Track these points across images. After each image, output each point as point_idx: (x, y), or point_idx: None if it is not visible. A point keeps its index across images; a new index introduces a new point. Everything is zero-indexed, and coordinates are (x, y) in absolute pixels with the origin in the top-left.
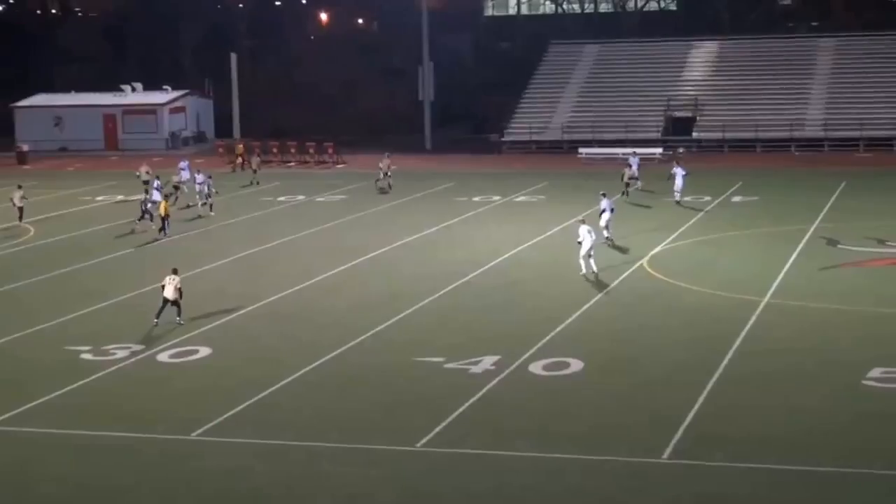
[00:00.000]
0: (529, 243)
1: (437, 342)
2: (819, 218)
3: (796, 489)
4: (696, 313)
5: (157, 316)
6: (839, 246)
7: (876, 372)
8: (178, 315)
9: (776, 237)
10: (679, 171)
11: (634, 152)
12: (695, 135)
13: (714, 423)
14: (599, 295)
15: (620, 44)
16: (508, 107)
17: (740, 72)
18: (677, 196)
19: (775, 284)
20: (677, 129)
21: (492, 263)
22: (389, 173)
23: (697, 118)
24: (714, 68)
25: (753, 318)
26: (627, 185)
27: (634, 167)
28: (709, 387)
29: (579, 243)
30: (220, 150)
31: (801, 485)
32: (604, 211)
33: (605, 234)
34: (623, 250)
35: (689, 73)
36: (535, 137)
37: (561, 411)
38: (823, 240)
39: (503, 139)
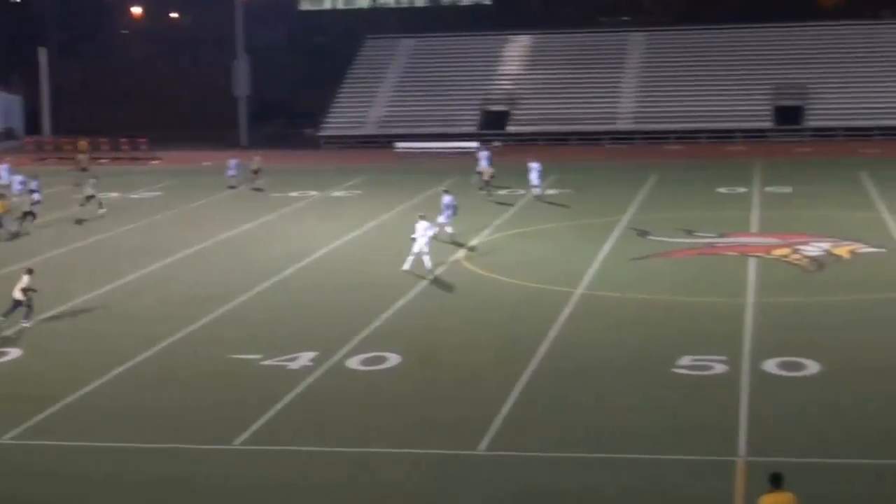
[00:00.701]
0: (346, 238)
1: (254, 339)
2: (631, 210)
3: (607, 477)
4: (512, 306)
5: (5, 315)
6: (650, 237)
7: (686, 360)
8: (26, 317)
9: (589, 229)
10: (536, 167)
11: (482, 146)
12: (510, 129)
13: (530, 414)
14: (416, 289)
15: (436, 38)
16: (325, 101)
17: (554, 66)
18: (537, 191)
19: (588, 276)
20: (493, 123)
21: (309, 259)
22: (259, 172)
23: (512, 112)
24: (528, 62)
25: (567, 309)
26: (487, 182)
27: (483, 162)
28: (524, 379)
29: (413, 239)
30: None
31: (611, 473)
32: (447, 207)
33: (448, 230)
34: (440, 244)
35: (504, 68)
36: (351, 132)
37: (378, 406)
38: (635, 231)
39: (320, 134)
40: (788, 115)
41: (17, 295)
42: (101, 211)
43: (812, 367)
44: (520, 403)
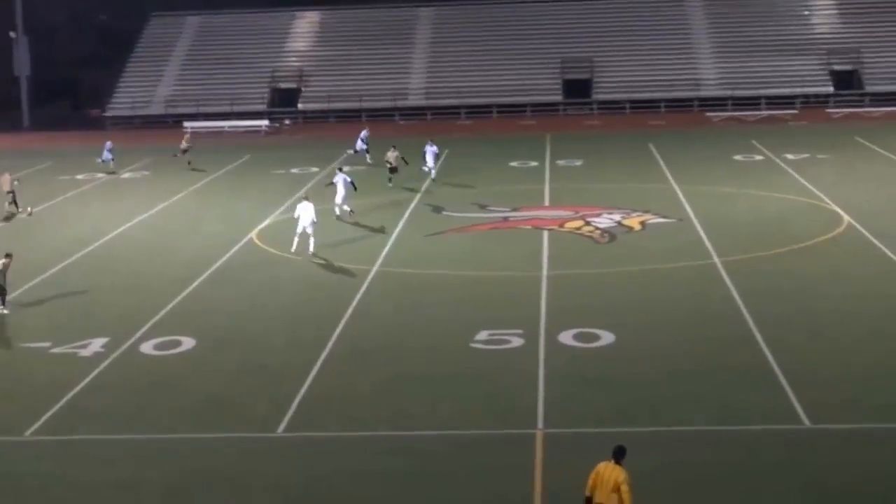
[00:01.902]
0: (136, 221)
1: (43, 326)
2: (424, 186)
3: (407, 457)
4: (308, 285)
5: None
6: (444, 213)
7: (483, 335)
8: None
9: (383, 206)
10: (431, 150)
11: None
12: (300, 106)
13: (327, 395)
14: (209, 271)
15: (223, 14)
16: (110, 81)
17: (343, 42)
18: (433, 174)
19: (384, 253)
20: (283, 101)
21: (98, 243)
22: (187, 149)
23: (302, 89)
24: (317, 39)
25: (364, 287)
26: (395, 169)
27: (359, 143)
28: (322, 358)
29: (296, 218)
30: None
31: (407, 451)
32: (344, 186)
33: (346, 208)
34: (230, 224)
35: (293, 44)
36: (138, 112)
37: (173, 390)
38: (429, 207)
39: (106, 114)
40: (577, 89)
41: None
42: None
43: (607, 337)
44: (317, 384)
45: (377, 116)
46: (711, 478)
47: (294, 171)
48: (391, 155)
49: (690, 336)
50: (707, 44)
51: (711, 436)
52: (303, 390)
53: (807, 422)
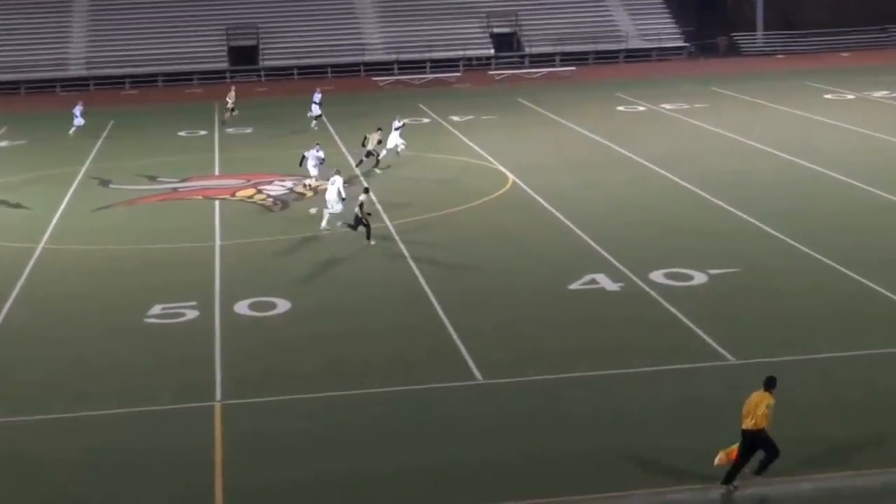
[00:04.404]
0: None
1: None
2: (90, 158)
3: (86, 436)
4: None
5: None
6: (111, 186)
7: (157, 309)
8: None
9: (48, 181)
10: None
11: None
12: None
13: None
14: None
15: None
16: None
17: None
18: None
19: (50, 229)
20: None
21: None
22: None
23: None
24: None
25: (30, 265)
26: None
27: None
28: None
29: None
30: None
31: (88, 431)
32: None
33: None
34: None
35: None
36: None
37: None
38: (96, 180)
39: None
40: (243, 56)
41: None
42: None
43: (282, 305)
44: None
45: (36, 88)
46: (385, 433)
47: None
48: (374, 137)
49: (366, 298)
50: (371, 9)
51: (388, 395)
52: None
53: (480, 377)
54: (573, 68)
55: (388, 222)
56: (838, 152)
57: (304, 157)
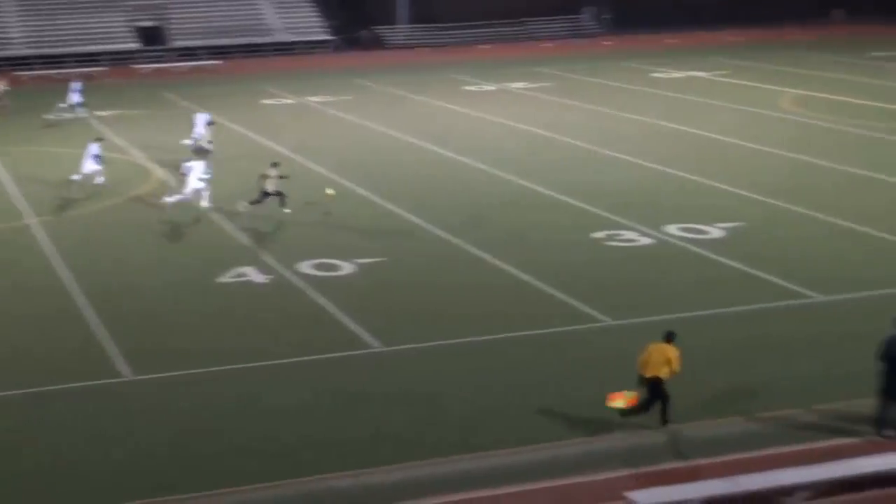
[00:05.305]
0: None
1: None
2: None
3: None
4: None
5: None
6: None
7: None
8: None
9: None
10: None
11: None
12: None
13: None
14: None
15: None
16: None
17: None
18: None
19: None
20: None
21: None
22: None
23: None
24: None
25: None
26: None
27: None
28: None
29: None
30: None
31: None
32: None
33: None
34: None
35: None
36: None
37: None
38: None
39: None
40: (152, 36)
41: None
42: None
43: None
44: None
45: None
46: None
47: None
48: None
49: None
50: (10, 2)
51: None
52: None
53: (129, 374)
54: (220, 62)
55: (34, 219)
56: (479, 141)
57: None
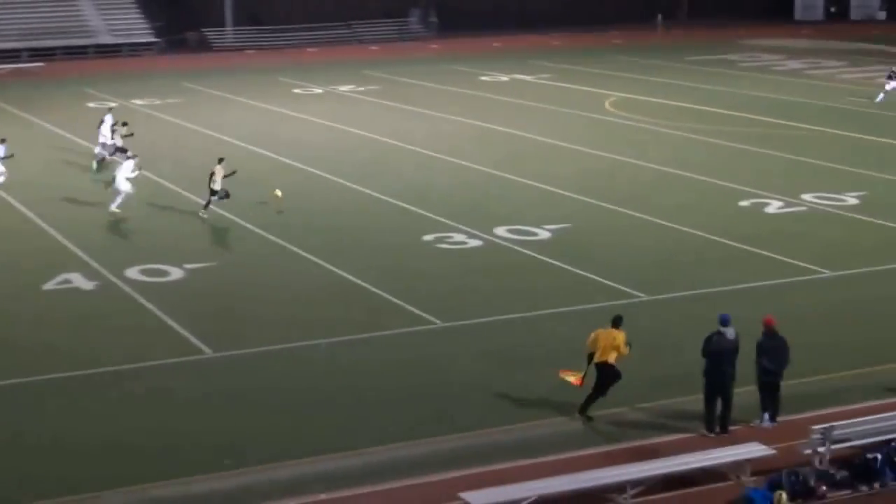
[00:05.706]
0: None
1: None
2: None
3: None
4: None
5: None
6: None
7: None
8: None
9: None
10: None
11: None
12: None
13: None
14: None
15: None
16: None
17: None
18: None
19: None
20: None
21: None
22: None
23: None
24: None
25: None
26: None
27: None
28: None
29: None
30: None
31: None
32: None
33: None
34: None
35: None
36: None
37: None
38: None
39: None
40: None
41: None
42: None
43: None
44: None
45: None
46: None
47: None
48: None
49: None
50: None
51: None
52: None
53: None
54: (42, 64)
55: None
56: (307, 145)
57: None
